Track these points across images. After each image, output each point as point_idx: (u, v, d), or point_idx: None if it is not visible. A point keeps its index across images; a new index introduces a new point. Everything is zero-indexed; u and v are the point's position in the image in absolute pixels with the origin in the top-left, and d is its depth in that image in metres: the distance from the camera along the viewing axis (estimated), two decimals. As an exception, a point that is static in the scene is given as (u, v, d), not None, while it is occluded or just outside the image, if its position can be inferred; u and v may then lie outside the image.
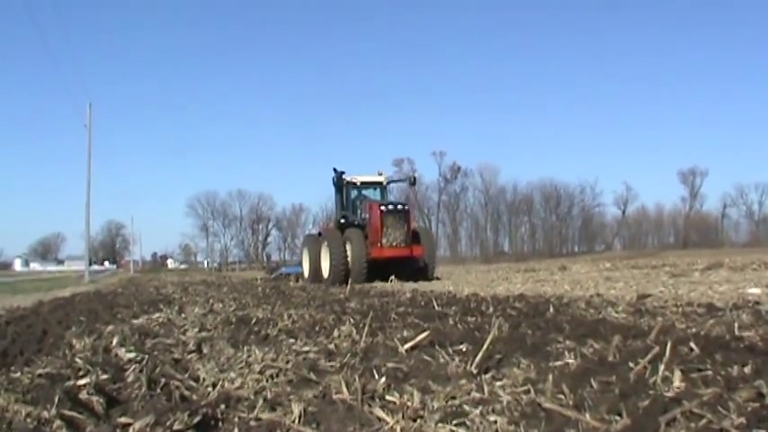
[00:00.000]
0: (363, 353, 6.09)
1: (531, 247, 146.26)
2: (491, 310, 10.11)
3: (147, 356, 6.27)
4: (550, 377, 4.53)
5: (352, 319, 9.01)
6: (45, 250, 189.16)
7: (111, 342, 7.40)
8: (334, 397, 4.45)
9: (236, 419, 4.09)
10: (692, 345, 5.53)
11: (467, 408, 4.03)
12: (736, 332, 6.47)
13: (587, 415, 3.73)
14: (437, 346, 6.13)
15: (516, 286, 18.04)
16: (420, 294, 15.04)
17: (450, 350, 5.96)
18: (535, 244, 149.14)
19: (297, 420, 4.01)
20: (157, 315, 11.29)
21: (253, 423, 4.02)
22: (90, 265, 64.08)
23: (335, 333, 7.62)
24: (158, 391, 4.88)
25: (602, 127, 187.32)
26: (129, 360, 6.14)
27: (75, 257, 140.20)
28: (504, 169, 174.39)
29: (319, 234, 31.52)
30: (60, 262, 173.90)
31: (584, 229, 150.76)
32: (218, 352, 6.71)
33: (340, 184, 29.99)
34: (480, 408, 4.00)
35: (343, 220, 29.75)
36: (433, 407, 4.12)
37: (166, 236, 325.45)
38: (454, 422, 3.79)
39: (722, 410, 3.62)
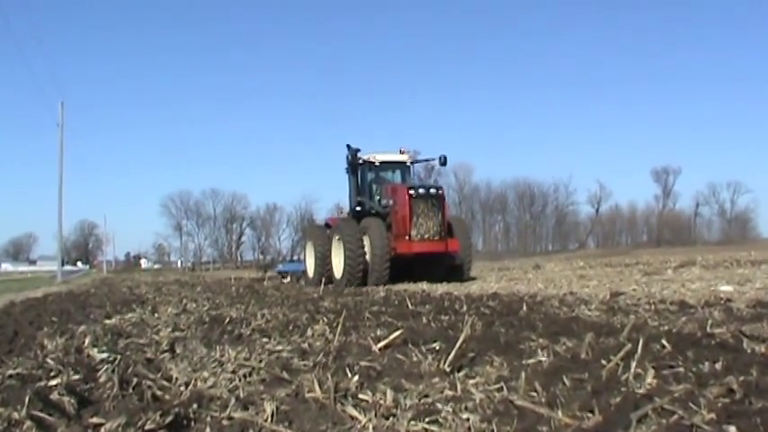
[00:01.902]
0: (336, 352, 6.10)
1: (504, 246, 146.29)
2: (465, 308, 10.14)
3: (119, 356, 6.24)
4: (523, 375, 4.55)
5: (325, 319, 9.01)
6: (17, 250, 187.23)
7: (84, 342, 7.37)
8: (307, 396, 4.44)
9: (209, 419, 4.07)
10: (664, 342, 5.57)
11: (439, 406, 4.04)
12: (708, 329, 6.52)
13: (559, 412, 3.74)
14: (410, 345, 6.15)
15: (490, 285, 18.08)
16: (394, 293, 15.08)
17: (424, 349, 5.98)
18: (509, 242, 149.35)
19: (269, 419, 4.00)
20: (130, 315, 11.24)
21: (225, 422, 4.01)
22: (62, 265, 63.64)
23: (309, 332, 7.63)
24: (130, 391, 4.85)
25: (576, 126, 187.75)
26: (102, 360, 6.10)
27: (48, 258, 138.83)
28: (478, 168, 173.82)
29: (327, 225, 26.27)
30: (32, 262, 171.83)
31: (558, 228, 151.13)
32: (191, 351, 6.70)
33: (354, 163, 24.89)
34: (453, 406, 4.01)
35: (358, 208, 24.89)
36: (405, 405, 4.13)
37: (140, 236, 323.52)
38: (427, 420, 3.80)
39: (693, 406, 3.64)
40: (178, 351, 6.86)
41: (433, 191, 23.14)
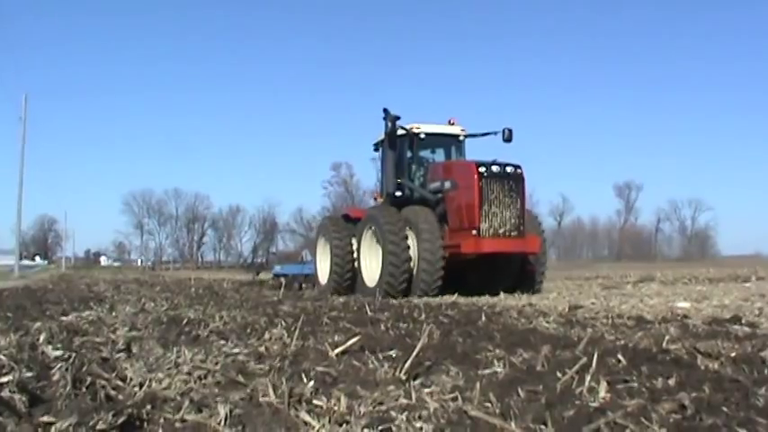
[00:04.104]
0: (293, 356, 6.08)
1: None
2: (423, 316, 10.15)
3: (74, 355, 6.17)
4: (478, 385, 4.55)
5: (283, 322, 8.97)
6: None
7: (38, 339, 7.28)
8: (261, 400, 4.42)
9: (162, 420, 4.04)
10: (620, 356, 5.60)
11: (393, 414, 4.03)
12: (664, 345, 6.56)
13: (513, 423, 3.75)
14: (367, 352, 6.15)
15: (450, 294, 18.07)
16: (353, 300, 15.07)
17: (380, 356, 5.98)
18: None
19: (222, 422, 3.98)
20: (87, 313, 11.13)
21: (178, 425, 3.98)
22: (20, 259, 63.09)
23: (266, 335, 7.60)
24: (84, 390, 4.80)
25: (539, 138, 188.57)
26: (56, 358, 6.03)
27: (5, 252, 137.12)
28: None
29: (346, 217, 21.01)
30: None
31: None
32: (148, 352, 6.65)
33: (394, 133, 19.19)
34: (407, 414, 4.01)
35: (399, 193, 19.53)
36: (359, 412, 4.12)
37: (100, 233, 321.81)
38: (380, 427, 3.79)
39: (645, 421, 3.67)
40: (134, 351, 6.81)
41: (510, 169, 17.51)
